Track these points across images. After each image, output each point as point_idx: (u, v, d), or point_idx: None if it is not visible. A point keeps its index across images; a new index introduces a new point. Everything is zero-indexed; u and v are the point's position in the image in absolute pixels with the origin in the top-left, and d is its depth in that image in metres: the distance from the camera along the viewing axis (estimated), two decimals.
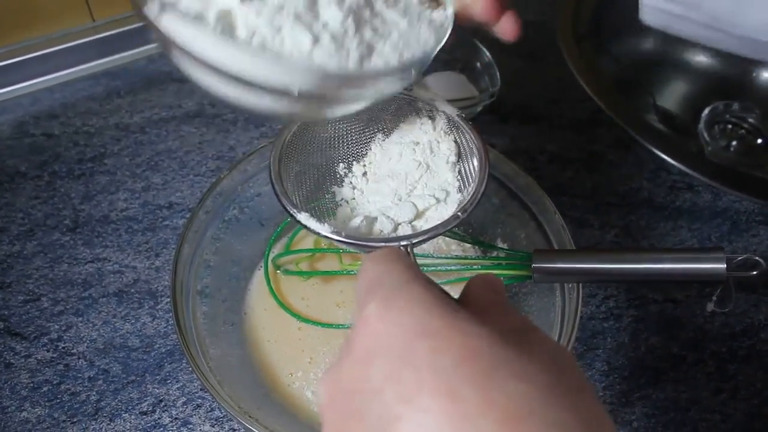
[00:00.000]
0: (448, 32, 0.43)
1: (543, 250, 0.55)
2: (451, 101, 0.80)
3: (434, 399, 0.25)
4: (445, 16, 0.44)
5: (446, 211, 0.49)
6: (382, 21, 0.40)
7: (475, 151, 0.50)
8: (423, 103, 0.52)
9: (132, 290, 0.68)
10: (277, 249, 0.65)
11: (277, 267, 0.64)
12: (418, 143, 0.52)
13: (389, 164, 0.52)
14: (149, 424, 0.60)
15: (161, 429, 0.60)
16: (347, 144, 0.53)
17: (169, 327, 0.66)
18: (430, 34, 0.42)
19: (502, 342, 0.27)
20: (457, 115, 0.51)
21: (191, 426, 0.60)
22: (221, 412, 0.61)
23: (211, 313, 0.59)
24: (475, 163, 0.49)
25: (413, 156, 0.52)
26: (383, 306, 0.28)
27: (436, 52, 0.43)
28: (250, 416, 0.49)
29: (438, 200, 0.50)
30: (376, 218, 0.49)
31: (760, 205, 0.73)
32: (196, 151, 0.80)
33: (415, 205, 0.50)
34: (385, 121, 0.53)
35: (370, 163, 0.53)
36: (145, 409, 0.61)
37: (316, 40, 0.37)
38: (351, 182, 0.53)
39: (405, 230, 0.49)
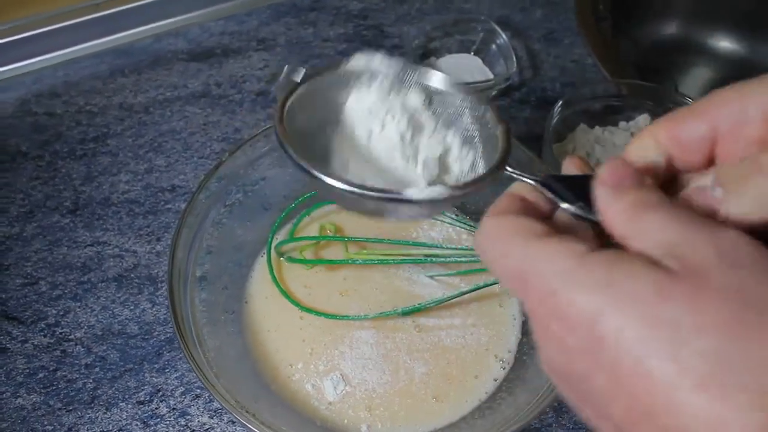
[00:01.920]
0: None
1: None
2: (465, 84, 0.78)
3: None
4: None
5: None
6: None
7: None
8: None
9: (132, 275, 0.67)
10: (280, 236, 0.63)
11: (280, 254, 0.61)
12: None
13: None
14: (146, 414, 0.59)
15: (158, 419, 0.59)
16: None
17: (169, 314, 0.64)
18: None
19: (669, 292, 0.25)
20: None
21: (189, 417, 0.59)
22: (219, 404, 0.59)
23: (210, 301, 0.57)
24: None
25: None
26: (551, 305, 0.28)
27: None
28: (247, 411, 0.47)
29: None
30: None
31: None
32: (200, 133, 0.78)
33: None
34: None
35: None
36: (142, 399, 0.60)
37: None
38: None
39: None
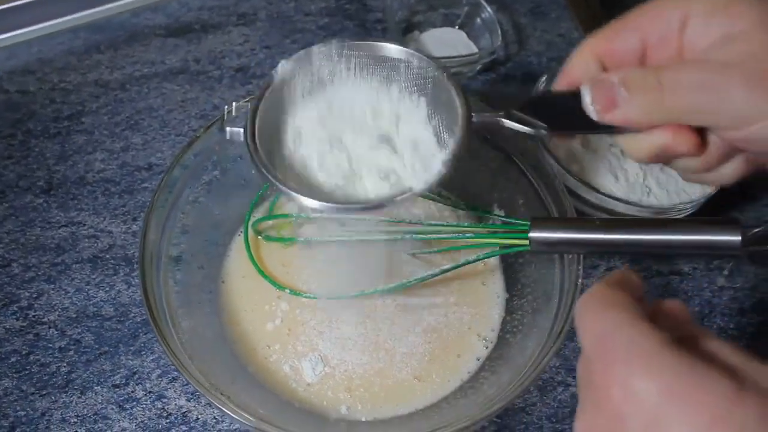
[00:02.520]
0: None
1: (541, 218, 0.51)
2: (449, 58, 0.77)
3: None
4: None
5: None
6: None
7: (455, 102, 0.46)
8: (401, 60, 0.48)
9: (107, 256, 0.65)
10: (258, 214, 0.61)
11: (258, 232, 0.60)
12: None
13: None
14: (122, 398, 0.57)
15: (134, 403, 0.57)
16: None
17: None
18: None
19: (742, 399, 0.27)
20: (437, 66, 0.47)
21: (166, 400, 0.57)
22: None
23: (185, 281, 0.55)
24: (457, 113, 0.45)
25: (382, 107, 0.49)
26: (624, 371, 0.29)
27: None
28: (221, 394, 0.46)
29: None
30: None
31: None
32: (178, 110, 0.76)
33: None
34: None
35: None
36: (118, 382, 0.58)
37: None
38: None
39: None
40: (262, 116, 0.48)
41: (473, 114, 0.46)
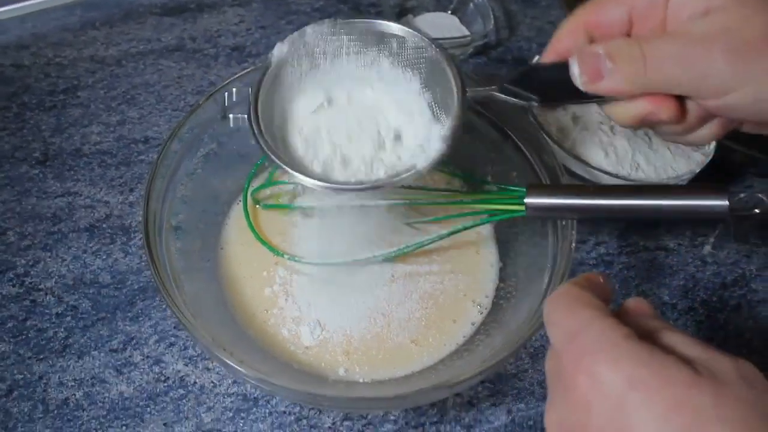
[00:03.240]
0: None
1: (537, 185, 0.52)
2: (441, 40, 0.78)
3: None
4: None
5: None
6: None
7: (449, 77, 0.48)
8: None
9: (104, 225, 0.65)
10: (257, 182, 0.62)
11: (257, 201, 0.61)
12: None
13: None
14: (119, 362, 0.58)
15: (132, 367, 0.58)
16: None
17: (142, 263, 0.63)
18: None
19: (698, 385, 0.29)
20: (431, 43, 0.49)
21: (163, 364, 0.58)
22: (195, 351, 0.58)
23: (185, 249, 0.56)
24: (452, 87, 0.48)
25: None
26: (591, 362, 0.31)
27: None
28: (224, 349, 0.47)
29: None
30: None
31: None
32: (174, 86, 0.76)
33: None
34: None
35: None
36: (115, 347, 0.59)
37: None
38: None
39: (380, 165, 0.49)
40: (263, 100, 0.49)
41: (467, 89, 0.48)
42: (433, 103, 0.50)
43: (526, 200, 0.50)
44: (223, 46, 0.80)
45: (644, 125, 0.46)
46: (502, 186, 0.55)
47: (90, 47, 0.79)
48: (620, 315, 0.36)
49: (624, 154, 0.62)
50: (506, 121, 0.59)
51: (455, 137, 0.47)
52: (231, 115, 0.55)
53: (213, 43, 0.81)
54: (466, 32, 0.82)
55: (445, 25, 0.83)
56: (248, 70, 0.60)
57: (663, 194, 0.47)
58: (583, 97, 0.45)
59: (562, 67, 0.45)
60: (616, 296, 0.63)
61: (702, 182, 0.61)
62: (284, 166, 0.47)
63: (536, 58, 0.68)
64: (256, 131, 0.48)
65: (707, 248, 0.66)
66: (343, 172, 0.49)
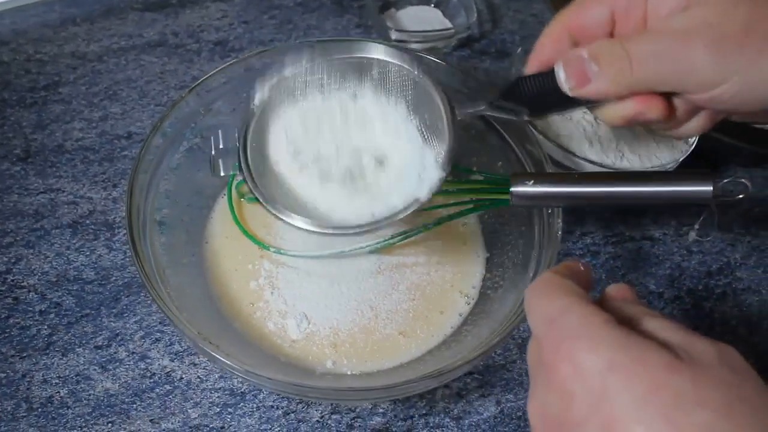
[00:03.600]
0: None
1: (521, 173, 0.52)
2: (425, 32, 0.78)
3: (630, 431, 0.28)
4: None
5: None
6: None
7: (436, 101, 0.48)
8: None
9: (87, 221, 0.65)
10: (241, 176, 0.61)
11: (241, 195, 0.60)
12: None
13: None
14: (104, 359, 0.57)
15: (117, 363, 0.57)
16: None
17: (127, 259, 0.62)
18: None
19: (678, 368, 0.29)
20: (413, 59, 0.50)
21: (149, 360, 0.57)
22: (181, 346, 0.58)
23: (170, 244, 0.56)
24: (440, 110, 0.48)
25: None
26: (571, 347, 0.31)
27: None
28: (210, 342, 0.46)
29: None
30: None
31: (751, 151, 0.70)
32: (157, 81, 0.76)
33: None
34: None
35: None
36: (100, 343, 0.58)
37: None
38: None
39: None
40: (252, 145, 0.50)
41: (457, 111, 0.48)
42: (422, 127, 0.49)
43: (511, 189, 0.50)
44: (206, 41, 0.80)
45: (633, 125, 0.46)
46: (487, 175, 0.55)
47: (71, 43, 0.79)
48: (602, 302, 0.36)
49: (608, 143, 0.62)
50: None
51: (451, 161, 0.47)
52: (221, 162, 0.56)
53: (195, 38, 0.80)
54: (449, 25, 0.82)
55: (428, 18, 0.83)
56: (230, 63, 0.60)
57: (647, 180, 0.47)
58: (572, 104, 0.45)
59: (549, 75, 0.45)
60: (601, 286, 0.63)
61: (686, 169, 0.61)
62: (286, 219, 0.47)
63: (518, 50, 0.69)
64: (251, 186, 0.48)
65: (692, 235, 0.66)
66: (341, 213, 0.48)
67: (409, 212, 0.47)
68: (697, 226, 0.65)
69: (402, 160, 0.49)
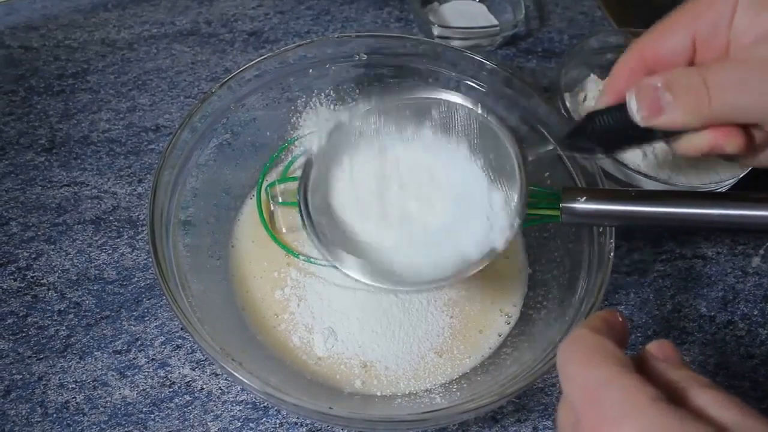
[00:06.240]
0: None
1: (573, 188, 0.48)
2: (470, 29, 0.74)
3: None
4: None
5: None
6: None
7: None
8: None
9: (111, 218, 0.62)
10: (271, 177, 0.58)
11: (271, 197, 0.57)
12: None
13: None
14: (123, 365, 0.55)
15: (136, 370, 0.55)
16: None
17: (150, 259, 0.59)
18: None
19: None
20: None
21: (169, 368, 0.55)
22: (202, 355, 0.55)
23: (194, 245, 0.53)
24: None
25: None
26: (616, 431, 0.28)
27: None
28: (233, 360, 0.43)
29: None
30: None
31: None
32: (188, 72, 0.73)
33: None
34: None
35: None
36: (119, 348, 0.56)
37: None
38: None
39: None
40: (312, 191, 0.48)
41: (528, 154, 0.46)
42: (487, 168, 0.47)
43: (561, 205, 0.46)
44: (240, 31, 0.77)
45: (709, 156, 0.42)
46: (536, 189, 0.51)
47: (101, 30, 0.76)
48: (642, 361, 0.33)
49: (664, 155, 0.58)
50: (537, 116, 0.55)
51: (526, 207, 0.45)
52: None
53: (229, 27, 0.77)
54: (495, 22, 0.78)
55: (472, 13, 0.79)
56: (265, 57, 0.57)
57: (717, 203, 0.43)
58: (647, 138, 0.42)
59: (621, 108, 0.41)
60: (647, 307, 0.59)
61: (758, 191, 0.57)
62: (357, 278, 0.46)
63: (570, 50, 0.65)
64: (315, 240, 0.46)
65: (756, 260, 0.61)
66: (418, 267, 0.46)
67: (485, 264, 0.44)
68: (762, 251, 0.60)
69: (469, 204, 0.47)
